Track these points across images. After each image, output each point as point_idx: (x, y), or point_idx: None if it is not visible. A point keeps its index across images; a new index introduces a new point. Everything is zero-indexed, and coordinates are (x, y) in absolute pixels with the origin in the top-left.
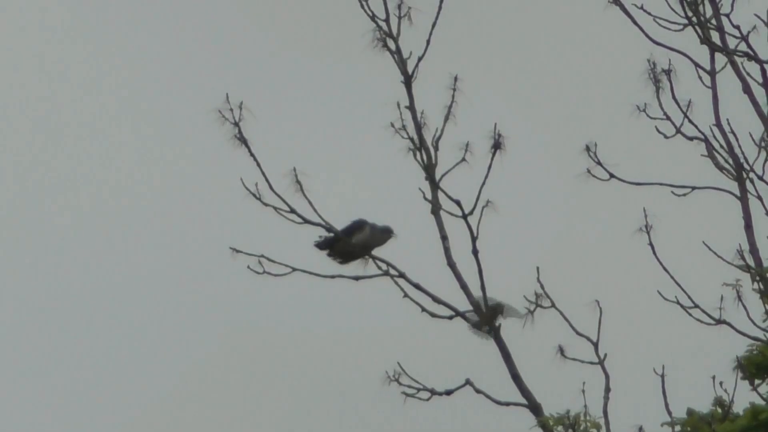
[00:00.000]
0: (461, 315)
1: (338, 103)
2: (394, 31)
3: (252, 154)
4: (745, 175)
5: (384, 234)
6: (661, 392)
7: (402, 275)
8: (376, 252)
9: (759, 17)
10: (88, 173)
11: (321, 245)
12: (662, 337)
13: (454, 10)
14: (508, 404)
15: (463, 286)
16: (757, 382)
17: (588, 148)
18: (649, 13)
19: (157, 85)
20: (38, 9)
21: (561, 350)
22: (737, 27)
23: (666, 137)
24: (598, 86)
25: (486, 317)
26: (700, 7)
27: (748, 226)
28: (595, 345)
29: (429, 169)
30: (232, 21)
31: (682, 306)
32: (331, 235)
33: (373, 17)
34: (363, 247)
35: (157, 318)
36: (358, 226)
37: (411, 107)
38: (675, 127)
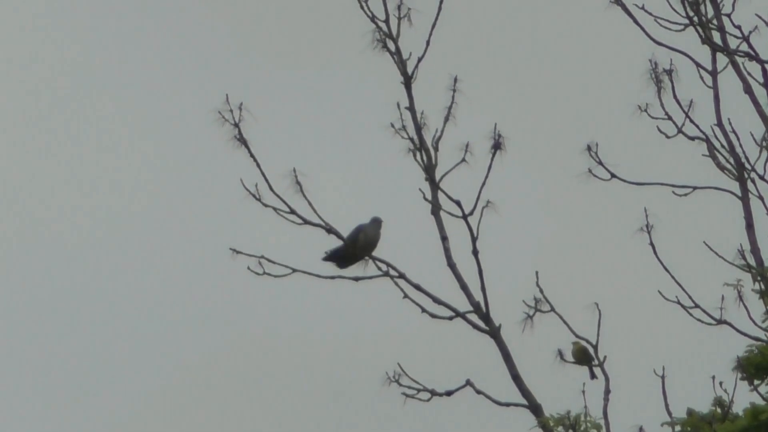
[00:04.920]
0: (461, 315)
1: (338, 104)
2: (394, 32)
3: (252, 155)
4: (746, 175)
5: (375, 225)
6: (662, 393)
7: (402, 276)
8: (377, 249)
9: (760, 17)
10: (88, 174)
11: (331, 257)
12: (663, 338)
13: (454, 11)
14: (508, 405)
15: (464, 287)
16: (756, 382)
17: (589, 148)
18: (651, 14)
19: (157, 86)
20: (39, 10)
21: (560, 354)
22: (738, 27)
23: (667, 137)
24: (600, 86)
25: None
26: (702, 7)
27: (750, 226)
28: (595, 347)
29: (429, 169)
30: (232, 22)
31: (682, 306)
32: (339, 245)
33: (372, 18)
34: (367, 244)
35: (157, 318)
36: (357, 231)
37: (411, 108)
38: (676, 126)
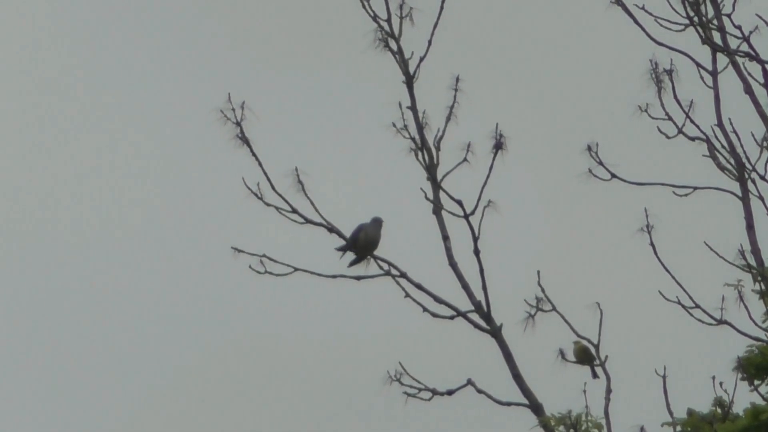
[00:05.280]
0: (463, 315)
1: (340, 103)
2: (396, 32)
3: (254, 154)
4: (746, 175)
5: (376, 225)
6: (663, 392)
7: (403, 275)
8: (378, 248)
9: (760, 17)
10: (89, 174)
11: (344, 248)
12: (663, 338)
13: (456, 11)
14: (509, 404)
15: (465, 286)
16: (756, 382)
17: (589, 148)
18: (651, 14)
19: (158, 86)
20: (39, 10)
21: (562, 354)
22: (739, 27)
23: (668, 137)
24: (600, 86)
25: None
26: (702, 8)
27: (750, 227)
28: (596, 347)
29: (431, 169)
30: (232, 22)
31: (683, 306)
32: (343, 244)
33: (374, 17)
34: (368, 243)
35: (157, 318)
36: (358, 230)
37: (413, 107)
38: (677, 127)
